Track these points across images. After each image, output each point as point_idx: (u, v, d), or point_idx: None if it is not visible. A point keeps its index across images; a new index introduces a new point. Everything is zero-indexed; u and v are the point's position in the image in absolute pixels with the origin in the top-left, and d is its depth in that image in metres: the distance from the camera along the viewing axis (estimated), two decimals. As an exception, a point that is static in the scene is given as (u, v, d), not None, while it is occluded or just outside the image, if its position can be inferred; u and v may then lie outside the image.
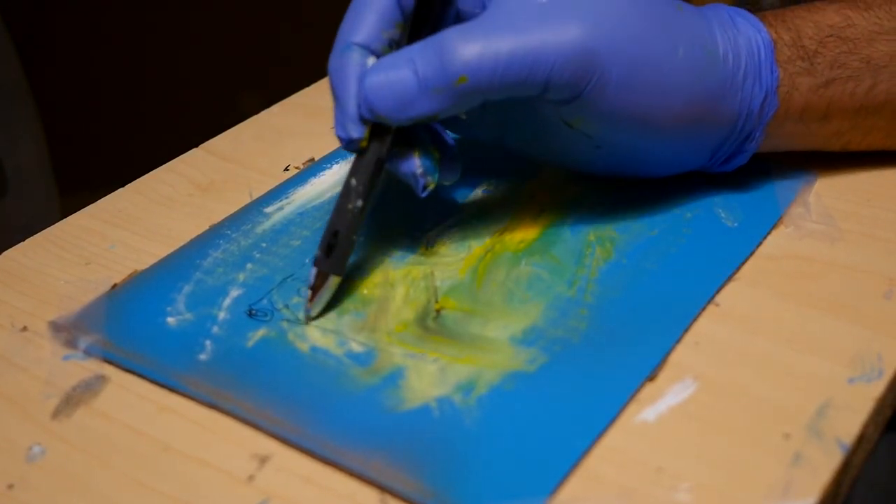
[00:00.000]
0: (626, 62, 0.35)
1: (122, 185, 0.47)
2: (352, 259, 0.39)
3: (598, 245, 0.39)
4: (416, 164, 0.37)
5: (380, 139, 0.37)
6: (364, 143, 0.36)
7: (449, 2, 0.39)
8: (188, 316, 0.37)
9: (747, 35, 0.39)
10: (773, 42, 0.39)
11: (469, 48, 0.34)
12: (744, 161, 0.41)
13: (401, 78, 0.35)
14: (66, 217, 0.45)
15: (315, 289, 0.37)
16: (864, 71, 0.40)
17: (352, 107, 0.36)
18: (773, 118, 0.39)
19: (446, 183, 0.40)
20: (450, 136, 0.40)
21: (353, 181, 0.37)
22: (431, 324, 0.36)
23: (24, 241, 0.43)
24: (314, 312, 0.37)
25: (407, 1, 0.37)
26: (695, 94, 0.37)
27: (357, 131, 0.36)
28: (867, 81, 0.40)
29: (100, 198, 0.46)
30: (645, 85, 0.36)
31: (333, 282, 0.37)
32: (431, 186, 0.38)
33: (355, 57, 0.36)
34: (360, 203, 0.37)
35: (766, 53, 0.39)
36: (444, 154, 0.39)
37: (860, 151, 0.43)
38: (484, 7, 0.38)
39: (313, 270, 0.37)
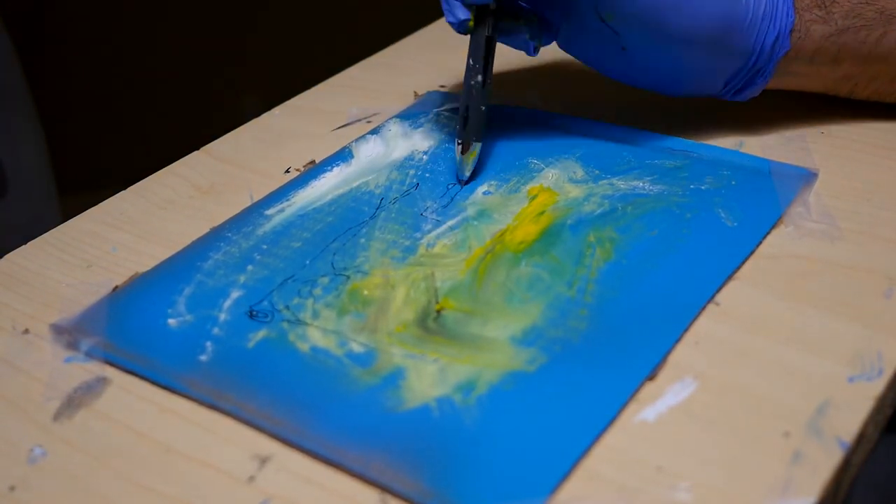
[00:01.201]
0: None
1: (123, 185, 0.47)
2: (353, 259, 0.40)
3: (597, 245, 0.39)
4: (524, 32, 0.44)
5: (483, 21, 0.44)
6: (471, 23, 0.43)
7: None
8: (189, 317, 0.37)
9: None
10: None
11: None
12: (755, 93, 0.44)
13: None
14: (66, 217, 0.45)
15: (463, 154, 0.44)
16: (878, 21, 0.42)
17: None
18: (783, 57, 0.42)
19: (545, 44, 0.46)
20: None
21: (471, 61, 0.44)
22: (432, 324, 0.36)
23: (24, 241, 0.43)
24: (467, 173, 0.44)
25: None
26: (717, 17, 0.41)
27: (463, 13, 0.43)
28: (878, 30, 0.42)
29: (100, 198, 0.46)
30: None
31: (476, 147, 0.44)
32: (539, 47, 0.45)
33: None
34: (479, 78, 0.44)
35: None
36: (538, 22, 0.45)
37: (861, 105, 0.46)
38: None
39: (458, 142, 0.44)
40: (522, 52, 0.46)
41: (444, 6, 0.43)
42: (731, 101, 0.46)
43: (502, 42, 0.45)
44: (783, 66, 0.43)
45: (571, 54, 0.47)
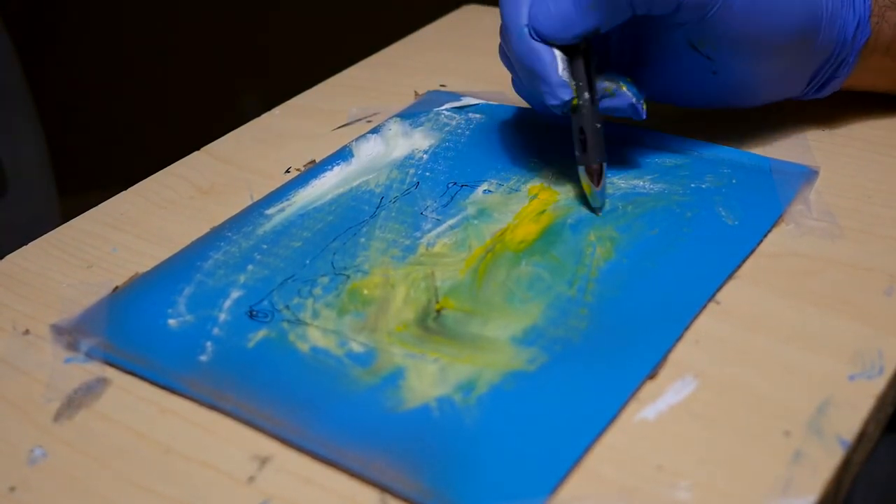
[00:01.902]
0: None
1: (123, 185, 0.47)
2: (353, 259, 0.40)
3: (598, 244, 0.39)
4: (629, 97, 0.42)
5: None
6: (575, 101, 0.41)
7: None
8: (189, 318, 0.37)
9: None
10: None
11: None
12: (837, 87, 0.44)
13: (559, 3, 0.40)
14: (66, 217, 0.45)
15: (596, 181, 0.41)
16: None
17: (554, 75, 0.40)
18: (863, 47, 0.42)
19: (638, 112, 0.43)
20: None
21: (574, 81, 0.41)
22: (432, 324, 0.36)
23: (24, 241, 0.43)
24: (601, 202, 0.42)
25: None
26: (804, 15, 0.41)
27: (567, 93, 0.41)
28: None
29: (100, 198, 0.46)
30: (762, 8, 0.40)
31: (602, 168, 0.41)
32: (646, 106, 0.43)
33: (533, 35, 0.41)
34: (586, 96, 0.41)
35: None
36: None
37: (867, 99, 0.46)
38: None
39: (581, 170, 0.42)
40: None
41: (544, 90, 0.41)
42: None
43: (604, 111, 0.42)
44: (862, 58, 0.43)
45: (656, 99, 0.46)
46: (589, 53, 0.41)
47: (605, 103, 0.42)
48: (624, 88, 0.42)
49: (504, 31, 0.42)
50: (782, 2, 0.40)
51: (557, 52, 0.40)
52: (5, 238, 0.68)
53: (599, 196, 0.41)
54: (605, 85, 0.42)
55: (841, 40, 0.42)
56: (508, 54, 0.42)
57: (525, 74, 0.42)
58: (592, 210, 0.42)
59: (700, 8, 0.39)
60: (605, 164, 0.42)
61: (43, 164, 0.80)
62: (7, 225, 0.73)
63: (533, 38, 0.41)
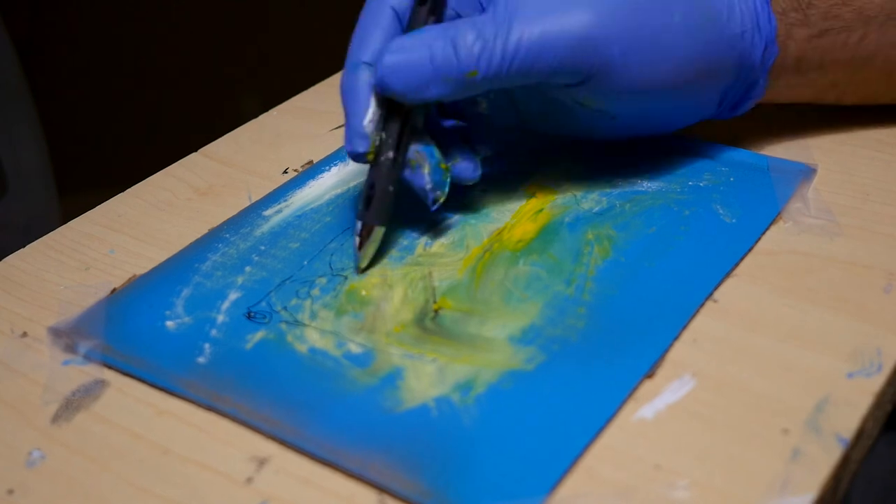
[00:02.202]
0: (627, 41, 0.37)
1: (123, 185, 0.47)
2: (350, 259, 0.40)
3: (596, 243, 0.39)
4: (426, 180, 0.39)
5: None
6: (370, 156, 0.38)
7: (443, 7, 0.39)
8: (187, 319, 0.37)
9: None
10: None
11: (480, 44, 0.36)
12: (749, 107, 0.43)
13: (417, 61, 0.37)
14: (66, 218, 0.45)
15: (361, 241, 0.39)
16: (856, 22, 0.41)
17: (358, 123, 0.38)
18: (772, 67, 0.41)
19: (468, 183, 0.41)
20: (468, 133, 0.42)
21: (383, 135, 0.38)
22: (430, 324, 0.36)
23: (24, 241, 0.43)
24: (363, 264, 0.39)
25: (404, 13, 0.39)
26: (696, 54, 0.39)
27: (363, 146, 0.38)
28: (858, 32, 0.41)
29: (100, 198, 0.46)
30: (648, 59, 0.38)
31: (378, 233, 0.39)
32: (441, 200, 0.39)
33: (364, 75, 0.39)
34: (390, 154, 0.38)
35: (763, 4, 0.40)
36: (461, 153, 0.41)
37: (854, 106, 0.45)
38: (482, 6, 0.40)
39: (358, 224, 0.39)
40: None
41: (346, 132, 0.39)
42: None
43: (402, 179, 0.39)
44: (773, 78, 0.42)
45: (549, 133, 0.44)
46: (410, 115, 0.38)
47: (405, 173, 0.39)
48: (426, 171, 0.39)
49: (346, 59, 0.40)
50: (666, 50, 0.38)
51: (373, 103, 0.38)
52: (5, 238, 0.68)
53: (366, 256, 0.39)
54: (412, 156, 0.39)
55: (747, 65, 0.40)
56: None
57: (343, 107, 0.39)
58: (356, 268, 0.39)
59: (575, 76, 0.37)
60: (381, 231, 0.39)
61: (43, 164, 0.80)
62: (7, 225, 0.73)
63: (363, 78, 0.38)
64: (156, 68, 1.46)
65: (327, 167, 0.47)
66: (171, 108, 1.46)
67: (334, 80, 0.57)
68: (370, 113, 0.38)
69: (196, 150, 0.50)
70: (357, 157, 0.39)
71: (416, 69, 0.37)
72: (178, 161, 0.49)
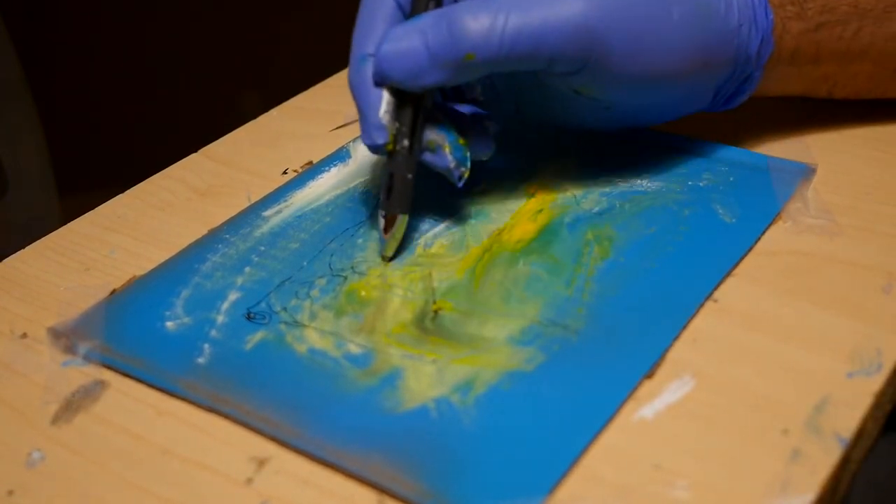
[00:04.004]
0: (625, 31, 0.37)
1: (123, 185, 0.47)
2: (350, 260, 0.40)
3: (595, 244, 0.39)
4: (448, 159, 0.39)
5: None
6: (389, 147, 0.39)
7: None
8: (187, 320, 0.37)
9: None
10: None
11: (476, 27, 0.36)
12: (742, 100, 0.43)
13: (412, 49, 0.37)
14: (66, 217, 0.45)
15: (386, 230, 0.39)
16: (852, 15, 0.41)
17: (374, 116, 0.38)
18: (768, 60, 0.41)
19: (483, 159, 0.41)
20: (471, 109, 0.42)
21: (397, 124, 0.39)
22: (429, 325, 0.36)
23: (24, 241, 0.43)
24: (389, 253, 0.39)
25: (406, 3, 0.39)
26: (693, 48, 0.39)
27: (381, 137, 0.38)
28: (853, 25, 0.42)
29: (101, 198, 0.46)
30: (645, 49, 0.38)
31: (402, 221, 0.39)
32: (466, 175, 0.40)
33: (371, 67, 0.38)
34: (405, 143, 0.39)
35: None
36: (473, 131, 0.41)
37: (847, 101, 0.45)
38: None
39: (381, 213, 0.39)
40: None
41: (362, 126, 0.39)
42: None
43: (424, 163, 0.40)
44: (768, 70, 0.42)
45: (546, 122, 0.45)
46: (422, 101, 0.39)
47: (425, 156, 0.39)
48: (447, 150, 0.39)
49: (350, 54, 0.40)
50: (664, 40, 0.38)
51: (385, 94, 0.38)
52: (5, 238, 0.68)
53: (392, 244, 0.39)
54: (430, 138, 0.39)
55: (743, 59, 0.41)
56: None
57: (355, 103, 0.39)
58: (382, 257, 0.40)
59: (574, 63, 0.37)
60: (405, 219, 0.39)
61: (43, 164, 0.80)
62: (7, 225, 0.73)
63: (370, 71, 0.38)
64: (156, 68, 1.46)
65: (327, 168, 0.47)
66: (171, 108, 1.46)
67: (334, 81, 0.57)
68: (384, 104, 0.38)
69: (196, 151, 0.50)
70: (377, 149, 0.39)
71: (413, 56, 0.37)
72: (178, 161, 0.49)
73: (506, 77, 0.42)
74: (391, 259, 0.40)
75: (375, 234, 0.41)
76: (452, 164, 0.39)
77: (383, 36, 0.38)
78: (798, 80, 0.43)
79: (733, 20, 0.40)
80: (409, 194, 0.39)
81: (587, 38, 0.37)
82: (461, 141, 0.40)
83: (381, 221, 0.40)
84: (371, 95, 0.38)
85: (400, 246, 0.40)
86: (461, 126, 0.41)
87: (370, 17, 0.39)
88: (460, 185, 0.40)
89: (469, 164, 0.40)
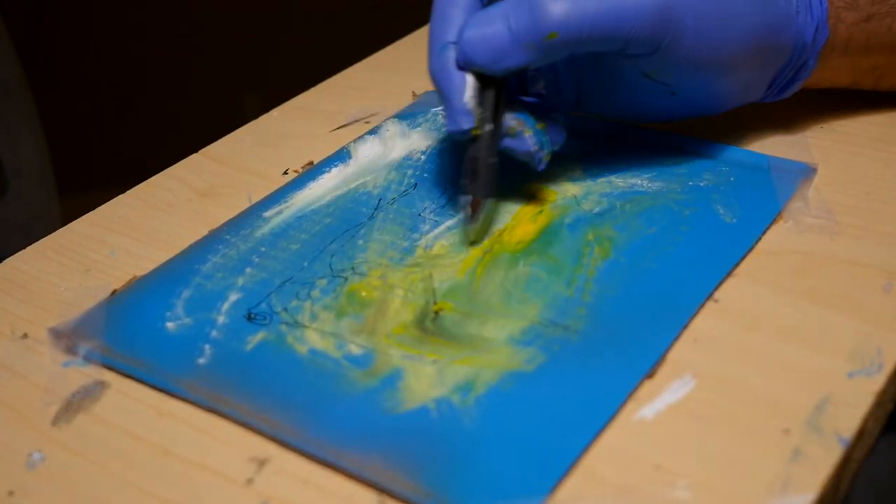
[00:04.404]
0: (698, 11, 0.38)
1: (123, 185, 0.47)
2: (351, 261, 0.40)
3: (596, 244, 0.39)
4: (530, 143, 0.40)
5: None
6: (476, 132, 0.39)
7: None
8: (187, 321, 0.37)
9: None
10: None
11: (558, 6, 0.37)
12: (798, 88, 0.44)
13: (496, 33, 0.38)
14: (66, 217, 0.45)
15: (473, 214, 0.40)
16: None
17: (459, 101, 0.39)
18: (822, 48, 0.42)
19: (556, 148, 0.42)
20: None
21: (480, 109, 0.39)
22: (430, 325, 0.36)
23: (24, 241, 0.43)
24: (476, 238, 0.40)
25: None
26: (757, 30, 0.40)
27: (468, 122, 0.39)
28: None
29: (101, 198, 0.46)
30: (715, 29, 0.39)
31: (488, 205, 0.40)
32: (547, 159, 0.41)
33: (453, 55, 0.39)
34: (488, 128, 0.39)
35: None
36: (546, 121, 0.41)
37: (888, 92, 0.46)
38: None
39: (463, 198, 0.40)
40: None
41: (447, 112, 0.40)
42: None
43: (503, 150, 0.41)
44: (821, 59, 0.43)
45: (614, 117, 0.46)
46: (503, 85, 0.40)
47: (506, 142, 0.40)
48: (528, 134, 0.40)
49: (429, 43, 0.40)
50: (733, 21, 0.39)
51: (470, 78, 0.39)
52: (5, 238, 0.68)
53: (474, 231, 0.40)
54: (510, 124, 0.40)
55: (800, 45, 0.42)
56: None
57: (436, 92, 0.40)
58: (470, 242, 0.40)
59: (650, 43, 0.38)
60: (491, 203, 0.40)
61: (43, 164, 0.80)
62: (7, 225, 0.73)
63: (453, 58, 0.39)
64: (156, 68, 1.46)
65: (328, 168, 0.47)
66: (171, 108, 1.46)
67: (335, 81, 0.58)
68: (469, 89, 0.39)
69: (196, 151, 0.50)
70: (463, 135, 0.39)
71: (496, 39, 0.38)
72: (179, 162, 0.49)
73: (571, 68, 0.43)
74: (476, 245, 0.40)
75: (375, 235, 0.41)
76: (534, 149, 0.40)
77: (464, 23, 0.39)
78: (849, 70, 0.44)
79: (792, 6, 0.41)
80: (493, 178, 0.40)
81: (664, 18, 0.38)
82: (540, 125, 0.41)
83: (466, 208, 0.40)
84: (454, 82, 0.39)
85: (484, 231, 0.40)
86: (534, 115, 0.41)
87: (448, 5, 0.40)
88: (541, 167, 0.41)
89: (549, 148, 0.41)
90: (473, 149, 0.40)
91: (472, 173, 0.40)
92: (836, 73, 0.44)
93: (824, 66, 0.43)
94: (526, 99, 0.43)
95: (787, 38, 0.41)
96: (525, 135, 0.40)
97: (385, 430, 0.32)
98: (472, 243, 0.40)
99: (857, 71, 0.45)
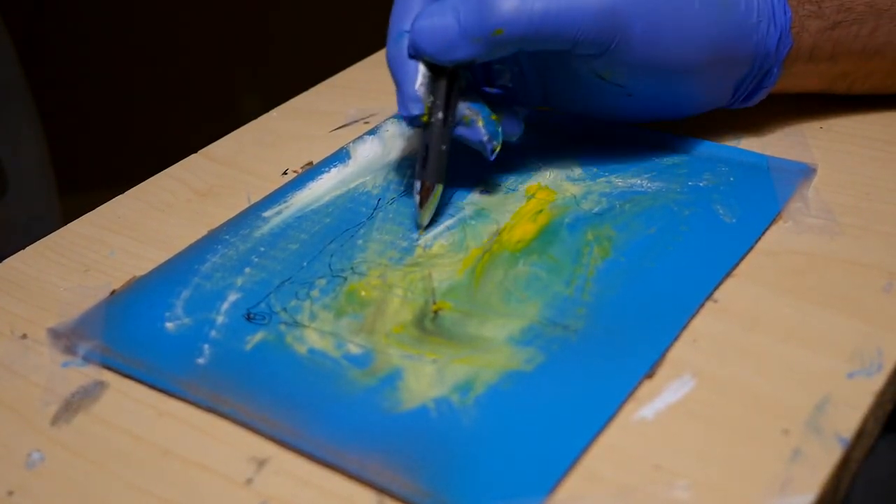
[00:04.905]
0: (648, 17, 0.39)
1: (123, 186, 0.47)
2: (350, 260, 0.40)
3: (595, 244, 0.39)
4: (481, 133, 0.41)
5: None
6: (424, 118, 0.40)
7: None
8: (187, 321, 0.37)
9: None
10: None
11: (507, 4, 0.38)
12: (763, 96, 0.44)
13: (445, 24, 0.39)
14: (66, 217, 0.45)
15: (422, 199, 0.41)
16: (868, 14, 0.42)
17: (410, 88, 0.40)
18: (786, 57, 0.42)
19: (512, 140, 0.43)
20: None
21: (432, 97, 0.40)
22: (429, 325, 0.36)
23: (24, 241, 0.43)
24: (424, 221, 0.41)
25: None
26: (713, 39, 0.40)
27: (417, 108, 0.40)
28: (870, 24, 0.42)
29: (101, 198, 0.46)
30: (666, 36, 0.39)
31: (437, 191, 0.41)
32: (498, 150, 0.42)
33: (408, 43, 0.40)
34: (440, 116, 0.40)
35: None
36: (503, 112, 0.43)
37: (862, 95, 0.46)
38: None
39: (417, 184, 0.41)
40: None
41: (399, 98, 0.41)
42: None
43: (457, 137, 0.42)
44: (786, 67, 0.43)
45: (563, 110, 0.46)
46: (456, 75, 0.41)
47: (459, 130, 0.41)
48: (480, 124, 0.41)
49: (388, 30, 0.41)
50: (687, 30, 0.39)
51: (421, 67, 0.40)
52: (5, 238, 0.68)
53: (426, 213, 0.41)
54: (464, 113, 0.41)
55: (762, 54, 0.42)
56: None
57: (392, 76, 0.41)
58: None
59: (597, 45, 0.39)
60: (440, 189, 0.41)
61: (43, 164, 0.80)
62: (7, 225, 0.73)
63: (406, 47, 0.40)
64: (156, 69, 1.46)
65: (327, 168, 0.47)
66: (171, 108, 1.46)
67: (334, 81, 0.58)
68: (420, 77, 0.40)
69: (196, 151, 0.50)
70: (412, 121, 0.41)
71: (445, 31, 0.39)
72: (178, 162, 0.49)
73: (534, 64, 0.44)
74: (425, 229, 0.41)
75: (375, 235, 0.41)
76: (485, 138, 0.41)
77: (419, 13, 0.40)
78: (816, 77, 0.44)
79: (752, 16, 0.41)
80: (443, 165, 0.41)
81: (611, 21, 0.38)
82: (494, 117, 0.41)
83: (416, 194, 0.41)
84: (407, 69, 0.40)
85: (433, 216, 0.42)
86: (492, 107, 0.42)
87: None
88: (492, 158, 0.42)
89: (501, 139, 0.42)
90: (425, 136, 0.41)
91: (423, 159, 0.41)
92: (804, 80, 0.44)
93: (790, 73, 0.43)
94: (490, 91, 0.44)
95: (748, 47, 0.41)
96: (478, 124, 0.41)
97: (384, 429, 0.32)
98: (422, 228, 0.41)
99: (825, 78, 0.45)
